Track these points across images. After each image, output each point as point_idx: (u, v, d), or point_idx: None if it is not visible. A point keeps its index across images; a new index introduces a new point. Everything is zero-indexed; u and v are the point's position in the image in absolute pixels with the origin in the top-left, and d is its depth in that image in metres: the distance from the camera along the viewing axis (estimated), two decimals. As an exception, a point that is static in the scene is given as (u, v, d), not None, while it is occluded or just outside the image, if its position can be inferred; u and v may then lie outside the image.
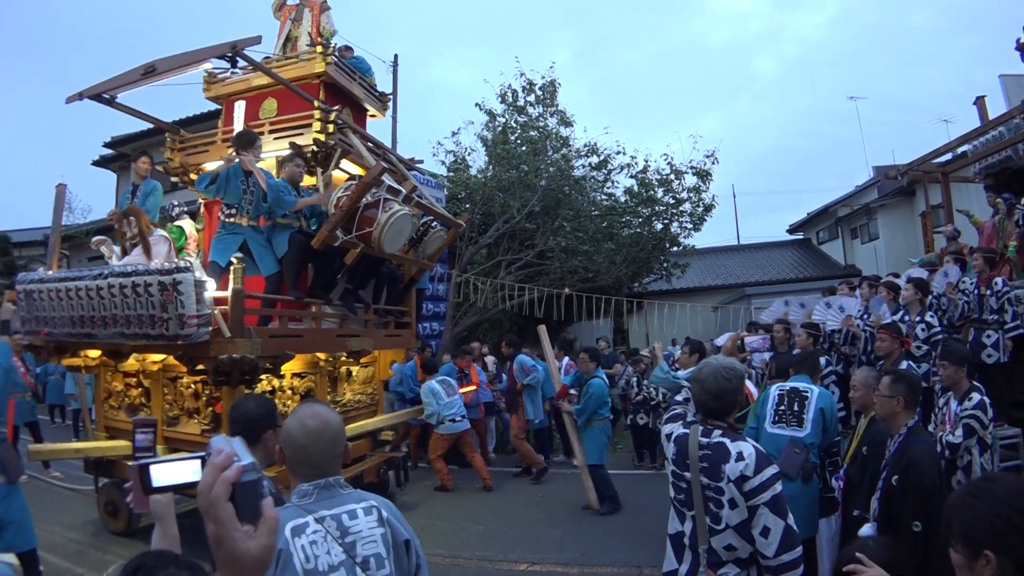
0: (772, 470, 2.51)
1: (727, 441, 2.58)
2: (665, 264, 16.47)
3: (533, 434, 9.53)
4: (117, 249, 6.22)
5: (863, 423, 4.03)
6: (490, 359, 10.58)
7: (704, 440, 2.63)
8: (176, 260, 5.20)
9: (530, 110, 14.79)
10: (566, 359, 10.14)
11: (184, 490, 1.11)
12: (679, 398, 3.24)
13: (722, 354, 4.24)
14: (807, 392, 4.40)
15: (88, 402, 9.17)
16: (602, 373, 7.52)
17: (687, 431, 2.73)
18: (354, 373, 7.25)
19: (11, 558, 3.89)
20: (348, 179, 6.64)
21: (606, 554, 5.92)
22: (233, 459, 0.91)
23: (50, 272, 5.80)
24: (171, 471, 1.06)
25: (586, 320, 14.75)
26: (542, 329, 7.83)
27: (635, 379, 9.51)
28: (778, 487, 2.49)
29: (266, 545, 0.91)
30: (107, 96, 6.52)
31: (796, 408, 4.34)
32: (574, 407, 7.16)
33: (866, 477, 3.66)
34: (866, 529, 3.28)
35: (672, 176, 14.79)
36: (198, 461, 1.05)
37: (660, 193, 14.81)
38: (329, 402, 6.64)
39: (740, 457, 2.51)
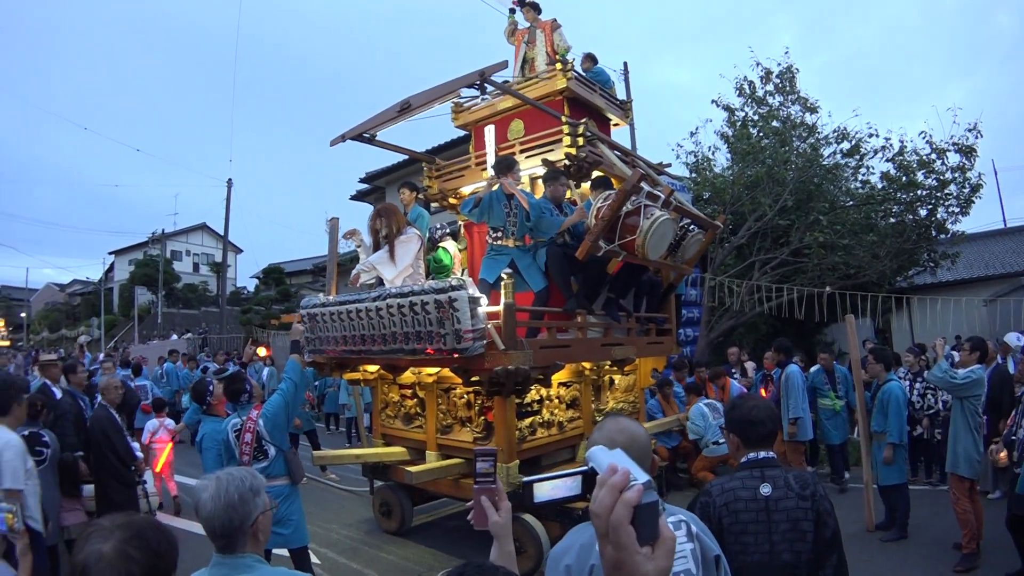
0: None
1: None
2: (933, 254, 14.85)
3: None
4: (367, 241, 6.57)
5: None
6: (750, 365, 10.10)
7: None
8: (450, 278, 5.44)
9: (769, 100, 14.08)
10: (834, 363, 9.34)
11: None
12: None
13: None
14: None
15: (361, 410, 10.07)
16: (896, 377, 6.79)
17: None
18: (616, 381, 7.26)
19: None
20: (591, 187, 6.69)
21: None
22: (631, 479, 0.87)
23: (331, 296, 6.24)
24: (551, 487, 1.08)
25: (843, 321, 13.65)
26: (850, 319, 7.19)
27: (907, 383, 8.54)
28: None
29: (664, 567, 0.85)
30: (367, 135, 6.98)
31: None
32: (873, 425, 6.51)
33: None
34: None
35: (933, 156, 13.31)
36: (579, 477, 1.05)
37: (921, 176, 13.38)
38: (593, 411, 6.72)
39: None
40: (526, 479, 1.08)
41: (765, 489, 2.33)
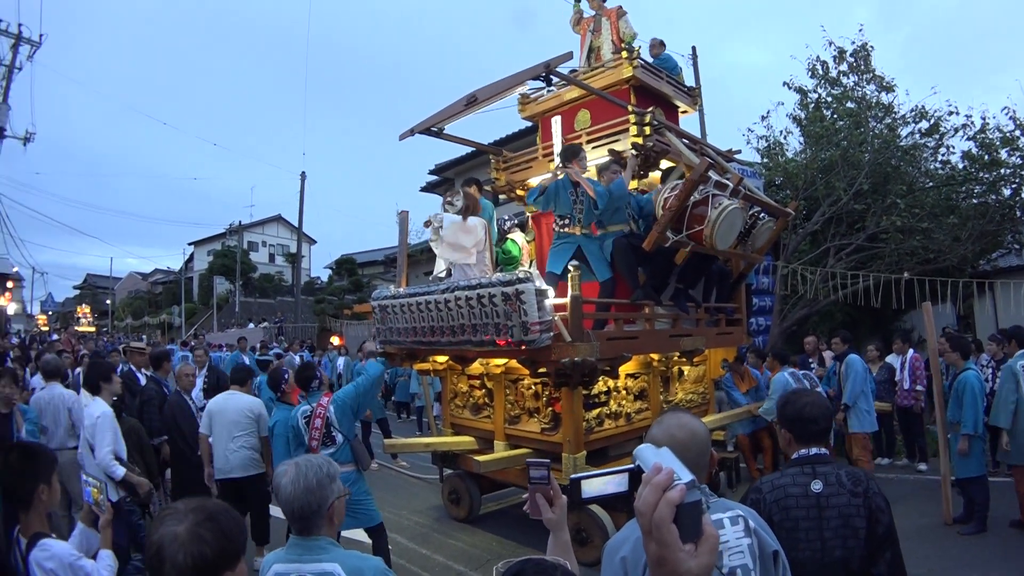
0: None
1: None
2: (1018, 235, 14.11)
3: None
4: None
5: None
6: (828, 354, 9.85)
7: None
8: (517, 271, 5.48)
9: (843, 80, 13.56)
10: (911, 352, 9.01)
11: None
12: None
13: None
14: None
15: (430, 400, 10.27)
16: (973, 366, 6.49)
17: None
18: (685, 372, 7.20)
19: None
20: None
21: (958, 571, 5.21)
22: (675, 478, 0.89)
23: (401, 289, 6.36)
24: (599, 484, 1.10)
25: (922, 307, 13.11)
26: (927, 307, 6.90)
27: (990, 371, 8.16)
28: None
29: (707, 564, 0.88)
30: (435, 129, 7.08)
31: None
32: (949, 415, 6.28)
33: None
34: None
35: (1017, 132, 12.54)
36: (626, 474, 1.07)
37: (1004, 154, 12.65)
38: (661, 402, 6.70)
39: None
40: (573, 476, 1.11)
41: (816, 486, 2.32)
